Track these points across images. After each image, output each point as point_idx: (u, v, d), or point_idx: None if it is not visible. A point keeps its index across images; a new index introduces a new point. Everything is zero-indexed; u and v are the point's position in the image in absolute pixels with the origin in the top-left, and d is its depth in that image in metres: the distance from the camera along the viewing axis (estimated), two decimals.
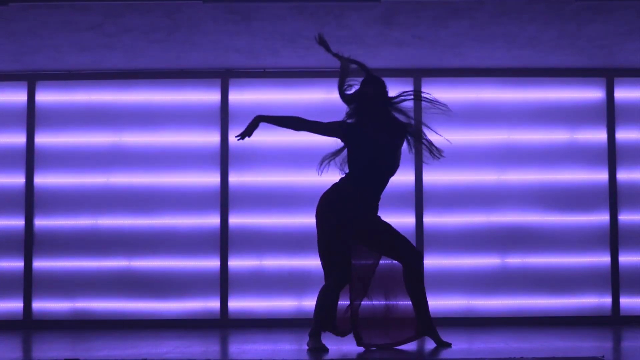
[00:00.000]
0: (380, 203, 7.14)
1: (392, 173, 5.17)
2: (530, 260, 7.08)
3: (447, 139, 5.34)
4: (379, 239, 5.12)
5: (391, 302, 5.20)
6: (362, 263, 5.18)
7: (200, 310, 7.06)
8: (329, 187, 5.14)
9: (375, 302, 5.18)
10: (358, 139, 5.09)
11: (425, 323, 5.10)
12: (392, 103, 5.14)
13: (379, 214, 5.21)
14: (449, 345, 5.11)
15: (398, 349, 5.07)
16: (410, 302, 5.12)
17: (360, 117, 5.14)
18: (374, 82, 5.15)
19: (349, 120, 5.19)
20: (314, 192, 6.93)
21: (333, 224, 5.02)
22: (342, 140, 5.20)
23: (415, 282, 5.09)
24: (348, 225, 5.04)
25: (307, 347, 5.02)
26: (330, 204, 5.07)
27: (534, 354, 4.63)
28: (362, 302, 5.15)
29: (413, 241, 7.02)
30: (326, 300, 5.02)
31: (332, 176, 5.24)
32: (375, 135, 5.08)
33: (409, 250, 5.11)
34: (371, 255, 5.18)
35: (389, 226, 5.16)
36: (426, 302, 5.14)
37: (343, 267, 5.00)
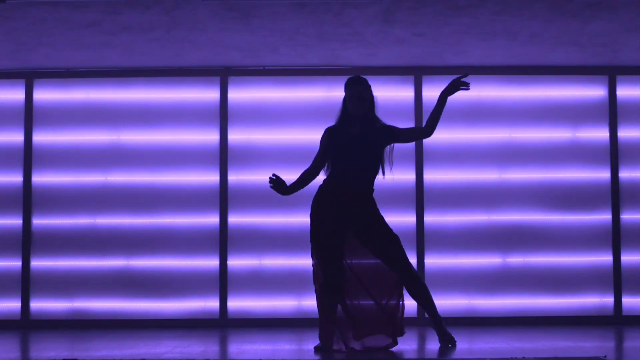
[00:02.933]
0: (380, 202, 7.13)
1: (370, 173, 5.08)
2: (532, 260, 7.05)
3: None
4: (370, 245, 5.06)
5: (366, 302, 5.12)
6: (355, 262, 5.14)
7: (199, 310, 7.03)
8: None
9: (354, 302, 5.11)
10: (336, 141, 5.08)
11: (433, 320, 5.08)
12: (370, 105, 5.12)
13: (377, 215, 5.12)
14: (451, 342, 5.06)
15: (399, 350, 5.03)
16: (385, 302, 5.07)
17: (342, 120, 5.15)
18: (352, 83, 5.13)
19: (332, 125, 5.19)
20: (314, 191, 6.94)
21: (314, 228, 5.02)
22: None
23: (415, 290, 5.06)
24: (329, 227, 4.99)
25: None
26: (312, 207, 5.11)
27: (535, 354, 4.61)
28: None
29: (414, 241, 7.00)
30: (319, 304, 5.00)
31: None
32: (353, 137, 5.06)
33: (399, 265, 5.03)
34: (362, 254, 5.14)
35: (380, 232, 5.05)
36: (431, 301, 5.09)
37: (327, 269, 4.96)
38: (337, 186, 5.05)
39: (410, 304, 7.15)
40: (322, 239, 4.99)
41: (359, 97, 5.07)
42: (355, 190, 5.05)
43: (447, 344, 5.06)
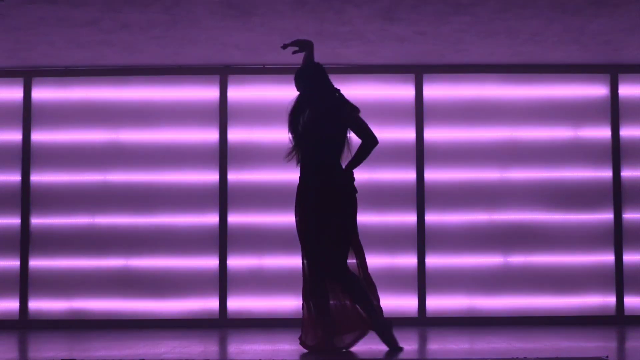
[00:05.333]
0: (381, 202, 7.11)
1: (319, 158, 4.93)
2: (534, 259, 7.02)
3: None
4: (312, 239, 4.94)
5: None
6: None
7: (198, 310, 7.00)
8: None
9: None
10: (293, 132, 5.06)
11: (372, 322, 4.93)
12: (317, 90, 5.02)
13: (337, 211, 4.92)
14: (398, 350, 4.92)
15: (400, 350, 5.00)
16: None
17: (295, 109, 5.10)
18: (295, 78, 5.08)
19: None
20: None
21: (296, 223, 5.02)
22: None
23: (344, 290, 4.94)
24: (300, 222, 4.97)
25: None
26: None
27: (537, 354, 4.59)
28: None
29: (415, 240, 6.97)
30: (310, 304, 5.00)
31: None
32: (302, 124, 5.01)
33: (322, 262, 4.91)
34: None
35: (321, 228, 4.89)
36: (362, 302, 4.90)
37: (307, 265, 4.95)
38: (300, 176, 5.03)
39: (406, 305, 7.13)
40: (299, 234, 4.98)
41: (299, 89, 5.05)
42: (309, 177, 4.96)
43: (394, 351, 4.89)
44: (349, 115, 4.97)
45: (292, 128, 5.05)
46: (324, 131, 4.95)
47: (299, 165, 5.09)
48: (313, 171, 4.97)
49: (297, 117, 5.06)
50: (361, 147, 4.97)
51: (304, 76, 5.06)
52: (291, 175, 7.04)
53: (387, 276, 6.96)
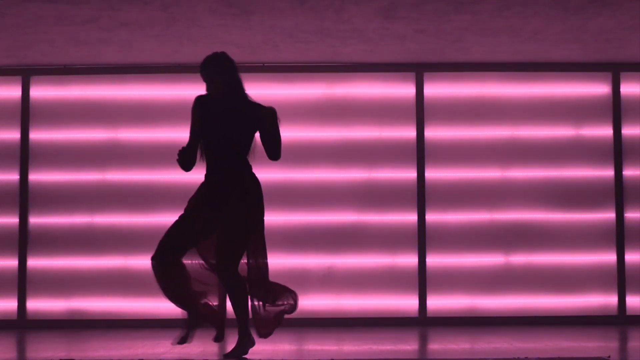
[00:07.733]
0: (381, 201, 7.08)
1: (240, 149, 4.84)
2: (535, 259, 7.00)
3: None
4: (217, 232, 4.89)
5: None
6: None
7: None
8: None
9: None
10: (209, 111, 4.85)
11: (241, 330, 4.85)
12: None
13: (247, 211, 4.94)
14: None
15: (399, 350, 4.98)
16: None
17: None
18: (200, 69, 4.82)
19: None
20: (313, 189, 6.87)
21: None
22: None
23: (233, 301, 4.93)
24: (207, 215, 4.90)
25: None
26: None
27: (538, 354, 4.59)
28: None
29: (415, 239, 6.95)
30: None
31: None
32: (225, 109, 4.84)
33: (219, 260, 4.88)
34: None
35: (229, 227, 4.89)
36: (239, 310, 4.91)
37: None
38: (209, 166, 4.89)
39: (407, 305, 7.11)
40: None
41: (208, 81, 4.82)
42: (225, 166, 4.85)
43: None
44: (272, 120, 4.87)
45: (208, 107, 4.82)
46: (244, 128, 4.85)
47: (203, 159, 4.92)
48: (233, 159, 4.85)
49: (215, 99, 4.83)
50: (267, 153, 4.95)
51: (214, 64, 4.83)
52: (291, 174, 7.05)
53: (387, 276, 6.94)
